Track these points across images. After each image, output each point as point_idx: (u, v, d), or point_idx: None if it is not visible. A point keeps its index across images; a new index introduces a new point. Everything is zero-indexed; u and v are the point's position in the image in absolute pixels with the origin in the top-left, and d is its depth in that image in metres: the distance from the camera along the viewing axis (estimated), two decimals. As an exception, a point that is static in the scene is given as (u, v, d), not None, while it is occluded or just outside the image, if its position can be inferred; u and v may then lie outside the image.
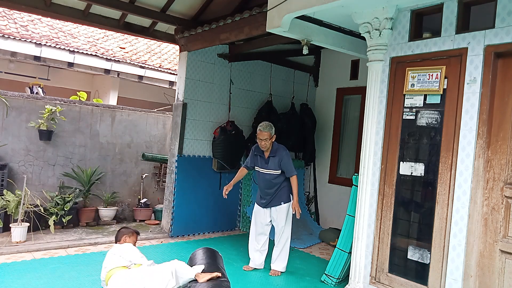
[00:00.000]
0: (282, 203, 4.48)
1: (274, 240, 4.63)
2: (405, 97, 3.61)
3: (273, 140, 4.44)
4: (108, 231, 5.90)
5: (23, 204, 5.04)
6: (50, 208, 5.50)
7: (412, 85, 3.53)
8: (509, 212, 3.06)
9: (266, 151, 4.47)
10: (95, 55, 8.65)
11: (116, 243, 3.78)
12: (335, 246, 4.47)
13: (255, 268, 4.65)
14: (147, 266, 3.39)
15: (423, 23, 3.66)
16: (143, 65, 9.38)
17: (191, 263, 3.55)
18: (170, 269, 3.22)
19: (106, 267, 3.39)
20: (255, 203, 4.70)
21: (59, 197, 5.75)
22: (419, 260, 3.47)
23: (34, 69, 9.26)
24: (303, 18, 4.03)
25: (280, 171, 4.43)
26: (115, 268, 3.33)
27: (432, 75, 3.41)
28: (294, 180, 4.43)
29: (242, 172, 4.76)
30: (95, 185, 6.45)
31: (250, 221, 5.16)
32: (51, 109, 5.97)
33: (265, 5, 4.06)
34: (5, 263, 4.31)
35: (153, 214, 6.89)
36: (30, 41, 7.79)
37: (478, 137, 3.15)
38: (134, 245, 3.76)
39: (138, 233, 3.92)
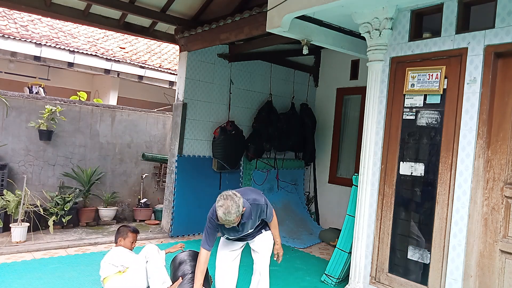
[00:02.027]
0: (263, 230, 3.40)
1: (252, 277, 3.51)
2: (405, 97, 3.61)
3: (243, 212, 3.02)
4: (108, 231, 5.90)
5: (23, 204, 5.04)
6: (50, 208, 5.51)
7: (412, 85, 3.53)
8: (509, 212, 3.06)
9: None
10: (95, 55, 8.65)
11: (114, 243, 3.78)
12: (335, 246, 4.47)
13: None
14: (140, 265, 3.42)
15: (423, 23, 3.66)
16: (143, 65, 9.38)
17: (178, 268, 3.57)
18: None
19: (101, 275, 3.46)
20: (221, 238, 3.49)
21: (59, 197, 5.75)
22: (419, 260, 3.47)
23: (34, 69, 9.26)
24: (303, 18, 4.03)
25: (259, 221, 3.32)
26: (108, 276, 3.39)
27: (432, 75, 3.41)
28: (274, 222, 3.40)
29: (206, 258, 3.22)
30: (95, 185, 6.45)
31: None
32: (51, 109, 5.97)
33: (265, 5, 4.06)
34: (5, 263, 4.31)
35: (153, 214, 6.89)
36: (30, 41, 7.79)
37: (478, 137, 3.15)
38: (134, 243, 3.74)
39: (135, 232, 3.76)
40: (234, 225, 3.02)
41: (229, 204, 2.91)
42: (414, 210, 3.57)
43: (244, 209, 3.03)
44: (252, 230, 3.31)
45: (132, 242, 3.73)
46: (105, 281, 3.38)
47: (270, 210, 3.30)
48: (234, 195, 2.98)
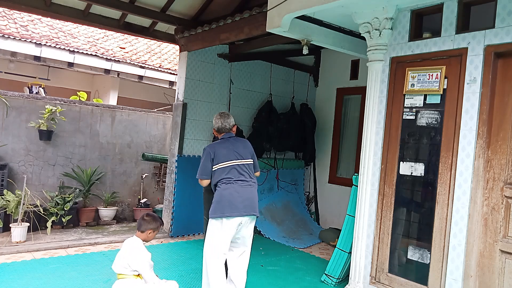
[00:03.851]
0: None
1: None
2: (405, 97, 3.61)
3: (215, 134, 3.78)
4: (108, 231, 5.90)
5: (23, 204, 5.04)
6: (50, 208, 5.51)
7: (412, 85, 3.53)
8: (509, 212, 3.06)
9: None
10: (95, 55, 8.65)
11: (138, 230, 3.33)
12: (335, 246, 4.46)
13: None
14: (152, 283, 3.28)
15: (423, 23, 3.66)
16: (143, 65, 9.37)
17: None
18: None
19: (115, 267, 3.28)
20: None
21: (59, 197, 5.75)
22: (419, 260, 3.47)
23: (34, 69, 9.26)
24: (303, 18, 4.02)
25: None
26: (124, 274, 3.23)
27: (432, 75, 3.41)
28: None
29: None
30: (95, 185, 6.45)
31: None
32: (51, 109, 5.97)
33: (265, 5, 4.05)
34: (5, 263, 4.31)
35: (153, 214, 6.88)
36: (30, 41, 7.78)
37: (478, 137, 3.15)
38: (153, 237, 3.45)
39: (162, 224, 3.56)
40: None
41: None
42: (414, 210, 3.57)
43: (216, 133, 3.71)
44: None
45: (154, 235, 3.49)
46: (120, 277, 3.17)
47: (200, 166, 3.54)
48: (220, 112, 3.77)
